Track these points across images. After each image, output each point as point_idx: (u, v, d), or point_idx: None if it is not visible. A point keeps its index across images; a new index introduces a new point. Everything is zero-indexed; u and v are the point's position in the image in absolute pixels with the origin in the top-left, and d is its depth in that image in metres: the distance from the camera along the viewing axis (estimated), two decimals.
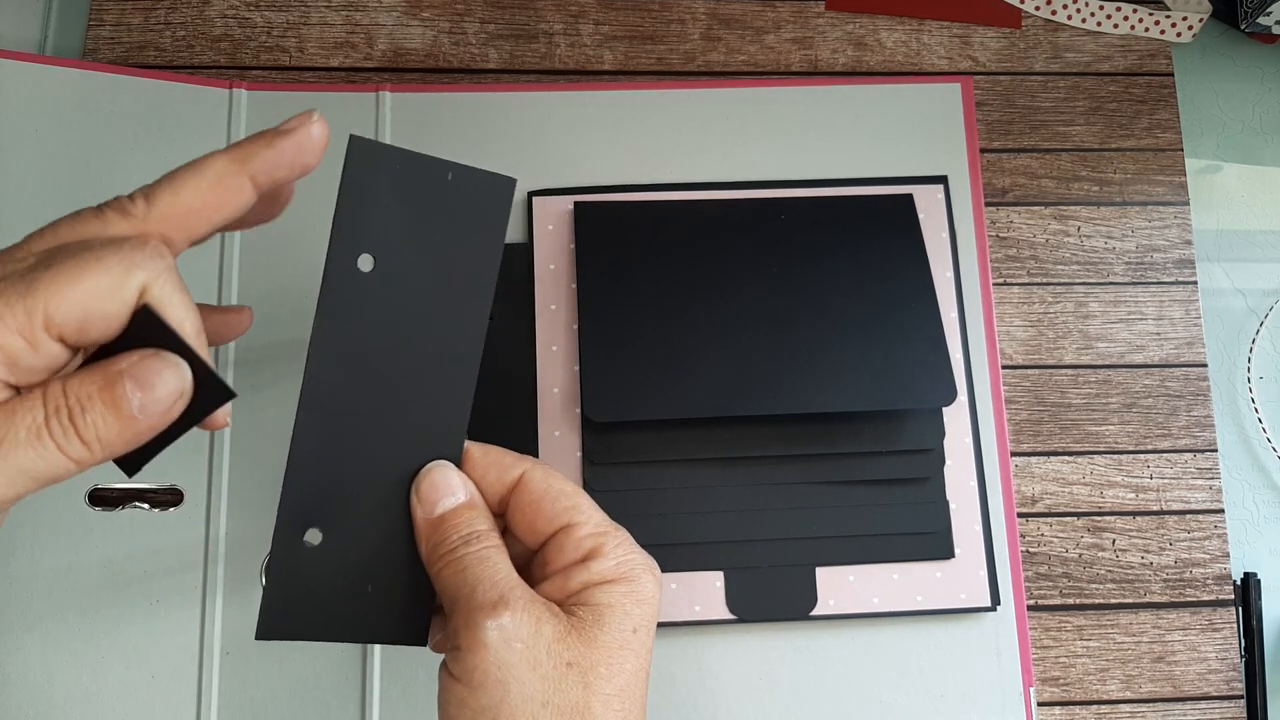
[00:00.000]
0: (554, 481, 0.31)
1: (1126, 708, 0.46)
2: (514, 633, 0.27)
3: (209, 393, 0.26)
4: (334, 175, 0.28)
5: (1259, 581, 0.48)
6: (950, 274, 0.49)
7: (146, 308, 0.24)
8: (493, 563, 0.29)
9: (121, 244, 0.24)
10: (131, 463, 0.26)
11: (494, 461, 0.31)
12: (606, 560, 0.30)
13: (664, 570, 0.44)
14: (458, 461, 0.31)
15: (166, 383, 0.24)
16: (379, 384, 0.30)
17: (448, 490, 0.30)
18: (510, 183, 0.31)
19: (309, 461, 0.30)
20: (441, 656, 0.30)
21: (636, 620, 0.29)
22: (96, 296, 0.23)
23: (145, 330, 0.24)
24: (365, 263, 0.29)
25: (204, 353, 0.25)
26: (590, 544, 0.30)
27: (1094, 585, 0.47)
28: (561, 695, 0.27)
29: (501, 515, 0.32)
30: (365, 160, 0.29)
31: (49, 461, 0.23)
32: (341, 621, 0.30)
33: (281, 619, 0.30)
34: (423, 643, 0.32)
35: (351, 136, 0.28)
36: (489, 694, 0.27)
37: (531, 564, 0.31)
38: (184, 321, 0.25)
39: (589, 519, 0.30)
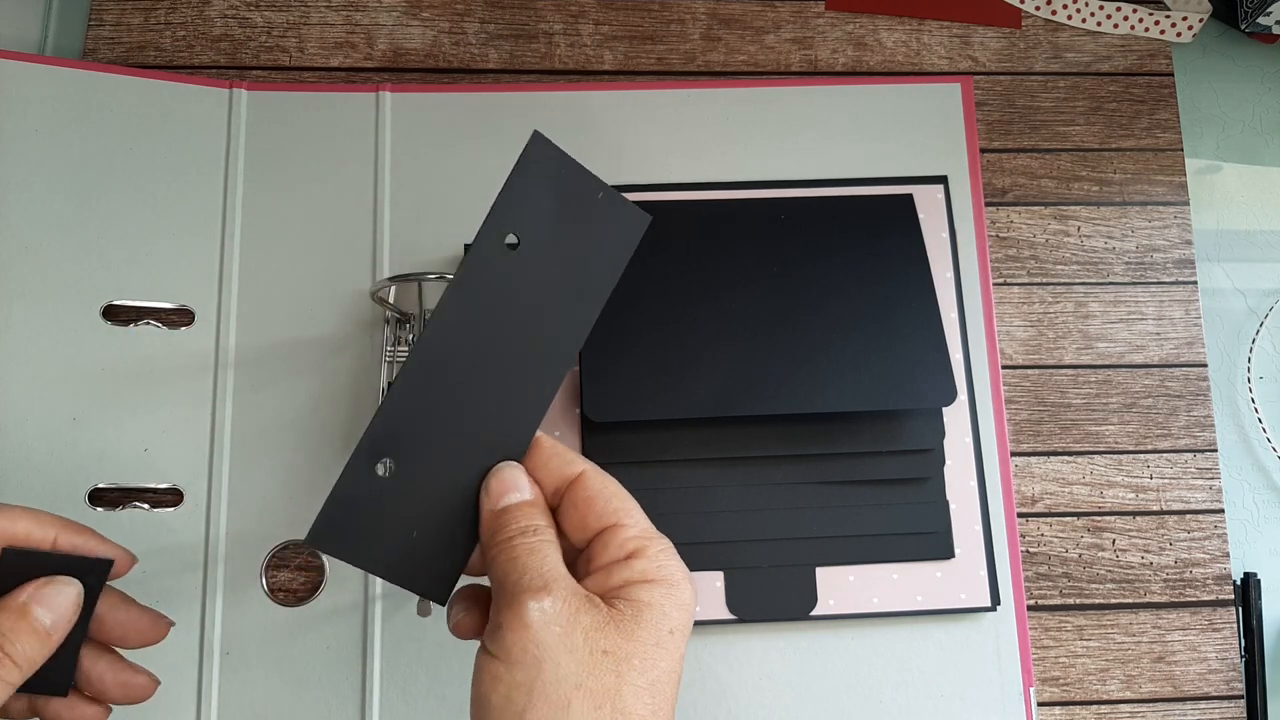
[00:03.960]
0: (609, 484, 0.33)
1: (1126, 708, 0.46)
2: (554, 615, 0.28)
3: (97, 572, 0.32)
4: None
5: (1259, 581, 0.48)
6: (950, 274, 0.49)
7: (7, 550, 0.30)
8: (543, 554, 0.30)
9: None
10: (60, 683, 0.32)
11: (559, 454, 0.33)
12: (649, 561, 0.31)
13: None
14: (528, 442, 0.33)
15: (66, 597, 0.30)
16: (485, 353, 0.32)
17: (514, 487, 0.32)
18: (646, 219, 0.34)
19: (405, 400, 0.32)
20: (459, 642, 0.31)
21: (674, 622, 0.30)
22: None
23: (16, 562, 0.30)
24: (511, 238, 0.32)
25: (69, 542, 0.32)
26: (634, 545, 0.31)
27: (1094, 585, 0.47)
28: (595, 679, 0.28)
29: (555, 508, 0.33)
30: (539, 154, 0.32)
31: None
32: (381, 556, 0.32)
33: (331, 532, 0.31)
34: (443, 601, 0.33)
35: (535, 132, 0.32)
36: (524, 670, 0.28)
37: (577, 562, 0.33)
38: (30, 533, 0.31)
39: (636, 522, 0.32)
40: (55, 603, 0.30)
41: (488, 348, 0.32)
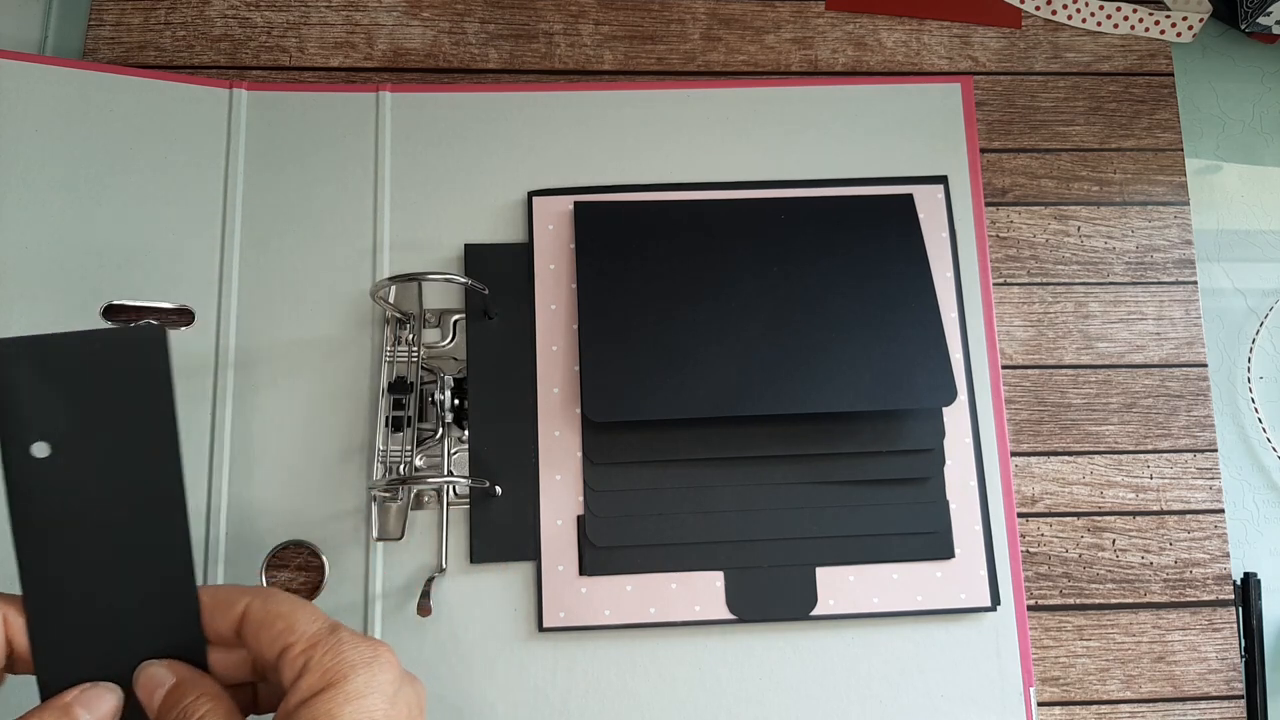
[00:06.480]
0: (272, 605, 0.31)
1: (1126, 708, 0.46)
2: None
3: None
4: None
5: (1259, 581, 0.48)
6: (950, 274, 0.49)
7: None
8: None
9: None
10: None
11: (220, 601, 0.31)
12: (311, 675, 0.29)
13: (664, 570, 0.44)
14: (194, 607, 0.31)
15: (107, 702, 0.30)
16: (92, 557, 0.30)
17: (155, 683, 0.30)
18: (159, 330, 0.30)
19: (44, 638, 0.30)
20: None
21: (350, 719, 0.28)
22: None
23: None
24: (41, 449, 0.29)
25: None
26: (300, 660, 0.29)
27: (1094, 585, 0.47)
28: None
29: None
30: (7, 358, 0.29)
31: None
32: None
33: None
34: None
35: None
36: None
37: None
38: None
39: (302, 634, 0.30)
40: (96, 705, 0.29)
41: (90, 550, 0.30)
